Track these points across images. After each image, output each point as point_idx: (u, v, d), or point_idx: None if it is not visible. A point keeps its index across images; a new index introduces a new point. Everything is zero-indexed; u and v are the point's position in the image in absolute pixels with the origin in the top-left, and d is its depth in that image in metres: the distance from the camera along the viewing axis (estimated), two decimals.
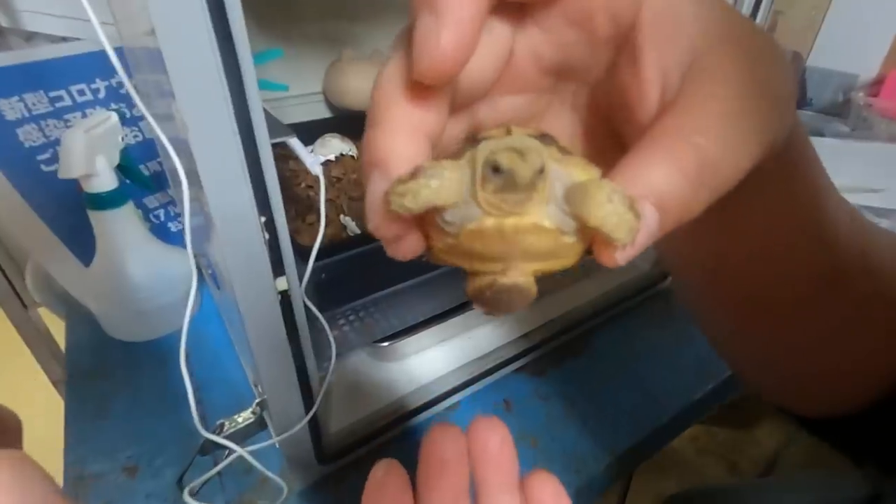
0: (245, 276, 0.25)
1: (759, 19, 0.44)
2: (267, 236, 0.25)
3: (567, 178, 0.12)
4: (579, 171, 0.12)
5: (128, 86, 0.24)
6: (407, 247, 0.13)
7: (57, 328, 0.66)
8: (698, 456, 1.40)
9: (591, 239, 0.12)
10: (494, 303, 0.13)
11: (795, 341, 0.23)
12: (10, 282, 0.70)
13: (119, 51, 0.55)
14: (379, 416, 0.40)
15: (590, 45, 0.14)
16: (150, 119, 0.24)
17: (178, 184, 0.46)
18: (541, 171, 0.11)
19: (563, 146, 0.13)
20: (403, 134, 0.13)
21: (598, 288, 0.54)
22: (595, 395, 0.46)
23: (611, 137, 0.16)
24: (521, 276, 0.13)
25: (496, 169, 0.11)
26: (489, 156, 0.11)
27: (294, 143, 0.27)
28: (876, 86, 1.05)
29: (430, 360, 0.45)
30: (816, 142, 1.04)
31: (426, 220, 0.13)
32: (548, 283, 0.51)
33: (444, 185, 0.11)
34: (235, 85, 0.21)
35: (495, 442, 0.19)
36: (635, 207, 0.11)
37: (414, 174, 0.11)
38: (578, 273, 0.13)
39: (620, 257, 0.12)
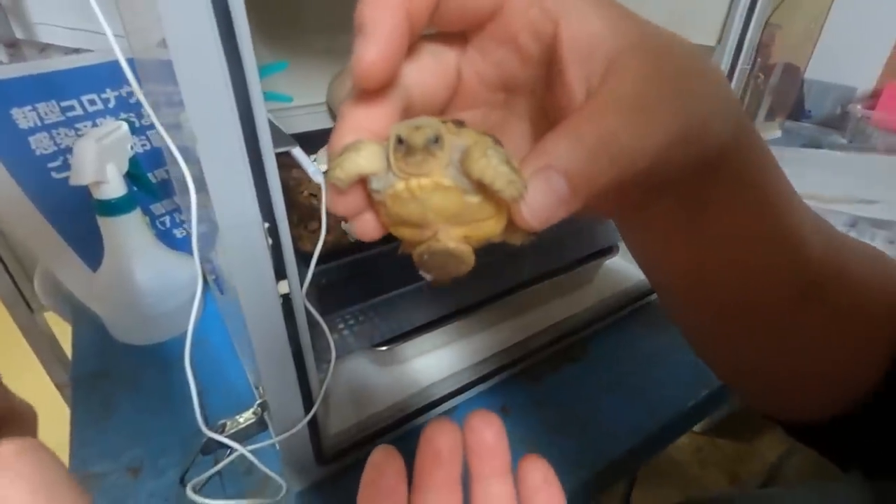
0: (248, 279, 0.26)
1: (750, 32, 0.45)
2: (270, 241, 0.26)
3: (464, 146, 0.14)
4: (472, 137, 0.14)
5: (140, 97, 0.25)
6: (364, 224, 0.16)
7: (62, 333, 0.67)
8: (700, 467, 1.39)
9: (499, 201, 0.14)
10: (434, 267, 0.16)
11: (772, 349, 0.24)
12: (17, 286, 0.71)
13: (130, 62, 0.57)
14: (377, 418, 0.41)
15: (521, 61, 0.17)
16: (161, 129, 0.25)
17: (185, 191, 0.48)
18: (436, 141, 0.14)
19: (466, 126, 0.15)
20: (349, 130, 0.15)
21: (596, 295, 0.55)
22: (592, 400, 0.47)
23: None
24: (451, 240, 0.15)
25: (400, 140, 0.14)
26: (394, 131, 0.14)
27: (297, 152, 0.29)
28: (873, 98, 1.06)
29: (429, 364, 0.46)
30: (813, 153, 1.04)
31: (372, 200, 0.16)
32: (552, 291, 0.52)
33: (363, 156, 0.14)
34: (242, 97, 0.22)
35: (490, 434, 0.20)
36: (512, 163, 0.13)
37: (343, 150, 0.14)
38: (526, 240, 0.15)
39: (528, 216, 0.14)
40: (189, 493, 0.29)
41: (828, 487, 0.24)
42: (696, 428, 1.46)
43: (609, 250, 0.54)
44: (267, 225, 0.25)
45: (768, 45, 1.01)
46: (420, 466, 0.20)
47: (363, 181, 0.15)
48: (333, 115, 0.61)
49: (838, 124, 1.07)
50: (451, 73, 0.18)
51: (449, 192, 0.14)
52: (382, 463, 0.20)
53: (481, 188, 0.14)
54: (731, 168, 0.18)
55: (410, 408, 0.42)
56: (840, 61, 1.08)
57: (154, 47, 0.28)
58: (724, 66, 0.46)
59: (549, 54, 0.16)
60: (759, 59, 0.97)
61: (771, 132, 1.11)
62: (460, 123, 0.15)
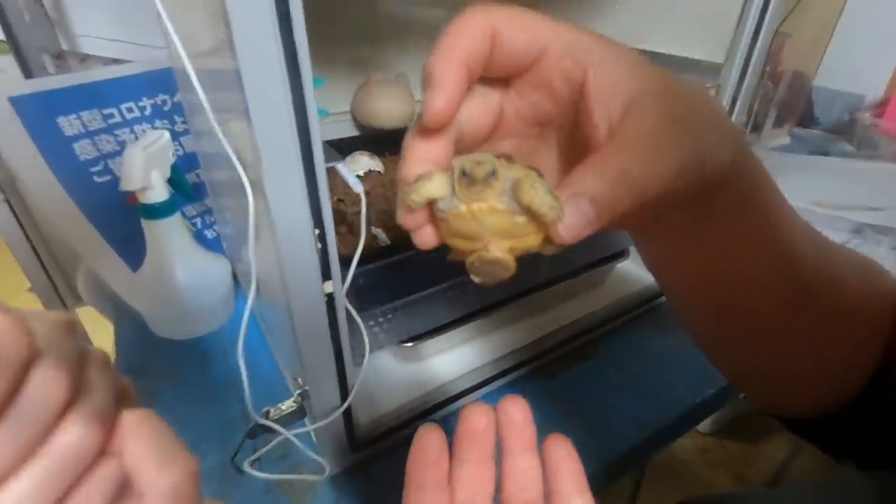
0: (298, 280, 0.29)
1: (758, 48, 0.47)
2: (319, 246, 0.29)
3: (513, 178, 0.18)
4: (521, 172, 0.18)
5: (205, 105, 0.28)
6: (424, 236, 0.20)
7: (94, 330, 0.71)
8: (707, 468, 1.41)
9: (538, 222, 0.18)
10: (483, 273, 0.19)
11: (769, 349, 0.26)
12: (53, 283, 0.75)
13: (168, 71, 0.61)
14: (402, 410, 0.44)
15: (553, 102, 0.21)
16: (224, 141, 0.28)
17: (222, 195, 0.51)
18: (493, 173, 0.17)
19: (515, 161, 0.19)
20: (415, 161, 0.19)
21: (608, 297, 0.58)
22: (602, 397, 0.49)
23: None
24: (499, 251, 0.18)
25: (463, 172, 0.17)
26: (459, 165, 0.17)
27: (341, 167, 0.32)
28: (881, 106, 1.08)
29: (450, 361, 0.49)
30: (821, 160, 1.06)
31: (434, 217, 0.19)
32: (566, 293, 0.55)
33: (434, 184, 0.18)
34: (300, 115, 0.25)
35: (519, 415, 0.23)
36: (553, 192, 0.17)
37: (417, 179, 0.18)
38: (557, 251, 0.18)
39: (563, 233, 0.17)
40: (246, 467, 0.32)
41: (827, 486, 0.26)
42: (703, 429, 1.47)
43: (621, 254, 0.57)
44: (317, 231, 0.28)
45: (777, 53, 1.03)
46: (459, 442, 0.23)
47: (429, 202, 0.19)
48: (357, 123, 0.64)
49: (846, 131, 1.08)
50: (496, 111, 0.21)
51: (501, 214, 0.18)
52: (428, 438, 0.22)
53: (528, 211, 0.17)
54: (731, 187, 0.21)
55: (433, 401, 0.45)
56: (849, 69, 1.10)
57: (201, 59, 0.31)
58: (732, 81, 0.48)
59: (577, 96, 0.20)
60: (767, 68, 0.99)
61: (779, 139, 1.13)
62: (509, 158, 0.18)
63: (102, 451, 0.16)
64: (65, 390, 0.14)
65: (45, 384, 0.14)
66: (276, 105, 0.24)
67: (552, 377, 0.51)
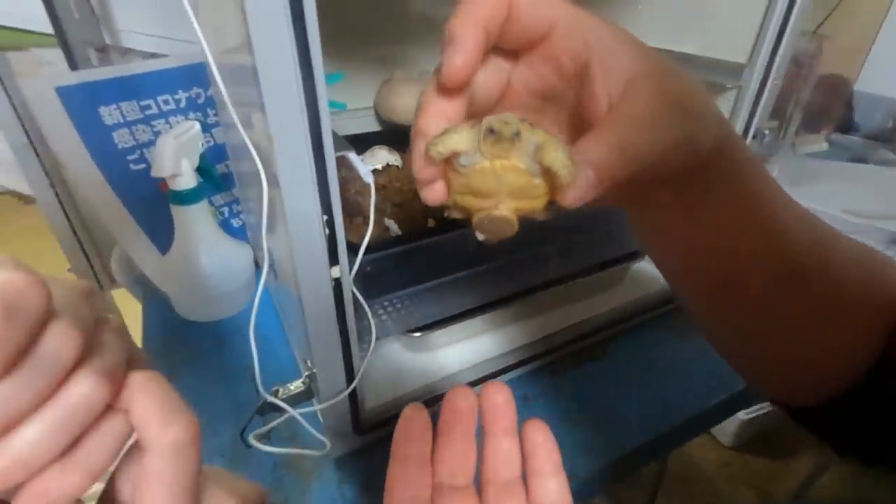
0: (307, 263, 0.31)
1: (782, 48, 0.46)
2: (327, 232, 0.30)
3: (535, 140, 0.19)
4: (543, 136, 0.19)
5: (225, 98, 0.30)
6: (436, 191, 0.21)
7: (127, 311, 0.74)
8: (729, 482, 1.38)
9: (551, 184, 0.19)
10: (490, 230, 0.21)
11: (763, 328, 0.27)
12: (91, 266, 0.79)
13: (202, 66, 0.64)
14: (407, 399, 0.45)
15: (559, 77, 0.22)
16: (242, 131, 0.30)
17: (247, 184, 0.53)
18: (517, 134, 0.18)
19: (534, 126, 0.20)
20: (433, 115, 0.20)
21: (621, 298, 0.57)
22: (610, 397, 0.49)
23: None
24: (506, 210, 0.20)
25: (491, 130, 0.18)
26: (487, 123, 0.18)
27: (352, 157, 0.33)
28: None
29: (457, 352, 0.50)
30: (858, 168, 1.02)
31: (448, 172, 0.20)
32: (579, 291, 0.55)
33: (460, 137, 0.19)
34: (311, 107, 0.26)
35: (501, 398, 0.23)
36: (573, 158, 0.18)
37: (443, 132, 0.19)
38: (548, 217, 0.20)
39: (571, 197, 0.19)
40: (252, 441, 0.33)
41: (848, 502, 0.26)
42: (726, 442, 1.44)
43: (636, 254, 0.57)
44: (325, 217, 0.30)
45: (814, 56, 1.00)
46: (443, 421, 0.24)
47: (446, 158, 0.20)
48: (380, 119, 0.66)
49: (888, 138, 1.04)
50: (505, 81, 0.23)
51: (521, 173, 0.19)
52: (413, 416, 0.24)
53: (545, 172, 0.19)
54: (716, 167, 0.23)
55: (438, 391, 0.46)
56: (892, 74, 1.05)
57: (228, 54, 0.33)
58: (755, 82, 0.47)
59: (581, 72, 0.21)
60: (802, 70, 0.96)
61: (816, 145, 1.09)
62: (527, 122, 0.20)
63: (111, 406, 0.17)
64: (77, 346, 0.16)
65: (60, 339, 0.15)
66: (289, 98, 0.26)
67: (560, 374, 0.51)
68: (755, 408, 1.35)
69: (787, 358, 0.28)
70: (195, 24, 0.31)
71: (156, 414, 0.18)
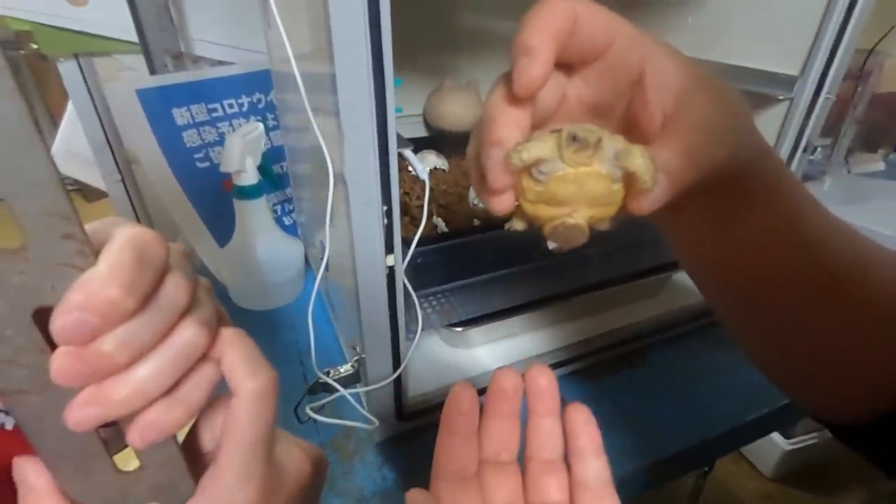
0: (365, 251, 0.33)
1: (836, 62, 0.46)
2: (385, 222, 0.32)
3: (615, 147, 0.19)
4: (623, 143, 0.20)
5: (307, 105, 0.33)
6: (504, 200, 0.21)
7: None
8: None
9: (627, 190, 0.20)
10: (563, 238, 0.21)
11: (797, 341, 0.27)
12: None
13: (265, 73, 0.68)
14: (445, 391, 0.46)
15: (613, 90, 0.23)
16: (317, 131, 0.33)
17: (303, 185, 0.56)
18: (599, 141, 0.19)
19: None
20: (509, 126, 0.21)
21: (661, 307, 0.57)
22: (646, 404, 0.49)
23: None
24: (581, 218, 0.20)
25: (574, 137, 0.19)
26: (570, 130, 0.19)
27: (409, 153, 0.35)
28: None
29: (495, 351, 0.51)
30: None
31: (521, 181, 0.20)
32: (619, 298, 0.55)
33: (543, 146, 0.19)
34: (380, 106, 0.29)
35: (544, 381, 0.25)
36: (654, 162, 0.19)
37: (526, 140, 0.19)
38: (613, 224, 0.21)
39: (646, 203, 0.19)
40: (308, 412, 0.36)
41: None
42: (767, 473, 1.37)
43: (676, 264, 0.57)
44: (385, 207, 0.32)
45: (872, 74, 0.97)
46: (489, 399, 0.25)
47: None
48: (428, 125, 0.69)
49: None
50: (561, 93, 0.23)
51: (602, 179, 0.19)
52: (462, 392, 0.25)
53: (626, 177, 0.19)
54: (755, 177, 0.24)
55: (476, 386, 0.47)
56: None
57: (303, 62, 0.36)
58: (807, 95, 0.47)
59: (634, 88, 0.22)
60: (858, 88, 0.93)
61: (872, 164, 1.05)
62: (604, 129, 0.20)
63: (205, 355, 0.20)
64: (189, 295, 0.18)
65: (176, 287, 0.18)
66: (361, 97, 0.28)
67: (596, 379, 0.52)
68: (800, 438, 1.29)
69: (826, 372, 0.27)
70: (284, 37, 0.34)
71: (243, 364, 0.20)
